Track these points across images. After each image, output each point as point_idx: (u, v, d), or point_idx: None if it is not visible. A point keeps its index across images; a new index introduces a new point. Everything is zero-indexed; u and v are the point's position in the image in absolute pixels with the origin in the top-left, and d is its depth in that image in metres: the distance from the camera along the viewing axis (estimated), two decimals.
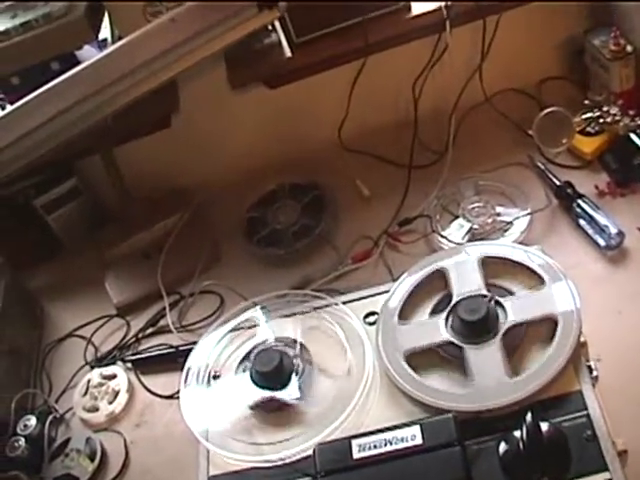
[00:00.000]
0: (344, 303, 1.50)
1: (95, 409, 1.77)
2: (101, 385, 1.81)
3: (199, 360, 1.50)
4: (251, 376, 1.42)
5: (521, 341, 1.36)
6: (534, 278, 1.43)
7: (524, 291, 1.42)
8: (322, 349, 1.45)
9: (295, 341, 1.46)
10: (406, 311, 1.45)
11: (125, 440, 1.71)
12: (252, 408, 1.40)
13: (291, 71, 1.97)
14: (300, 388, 1.39)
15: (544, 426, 1.22)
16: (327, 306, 1.50)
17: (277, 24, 1.94)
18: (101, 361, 1.88)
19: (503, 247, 1.51)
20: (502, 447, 1.24)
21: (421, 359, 1.37)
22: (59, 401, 1.83)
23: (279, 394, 1.39)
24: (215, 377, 1.47)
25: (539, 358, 1.31)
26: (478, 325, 1.35)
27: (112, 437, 1.72)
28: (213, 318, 1.85)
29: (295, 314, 1.52)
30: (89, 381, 1.82)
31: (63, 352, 1.96)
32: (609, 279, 1.70)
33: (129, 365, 1.84)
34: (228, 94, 2.01)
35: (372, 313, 1.47)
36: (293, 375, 1.40)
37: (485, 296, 1.39)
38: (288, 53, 1.94)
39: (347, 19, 1.90)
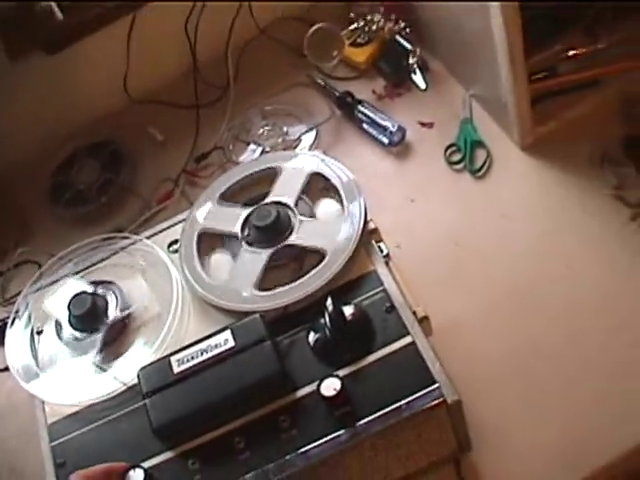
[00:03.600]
0: (147, 238, 1.53)
1: None
2: None
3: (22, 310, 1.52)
4: (68, 319, 1.45)
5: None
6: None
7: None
8: (132, 286, 1.48)
9: (109, 282, 1.49)
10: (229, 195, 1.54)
11: None
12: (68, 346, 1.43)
13: (66, 34, 1.93)
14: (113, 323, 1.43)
15: (346, 308, 1.28)
16: (132, 244, 1.53)
17: None
18: None
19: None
20: (311, 336, 1.30)
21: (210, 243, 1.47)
22: None
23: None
24: (39, 332, 1.48)
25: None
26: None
27: None
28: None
29: (103, 259, 1.55)
30: None
31: None
32: (398, 173, 1.80)
33: None
34: (9, 66, 1.95)
35: (175, 242, 1.51)
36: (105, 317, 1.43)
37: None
38: (60, 15, 1.90)
39: None
